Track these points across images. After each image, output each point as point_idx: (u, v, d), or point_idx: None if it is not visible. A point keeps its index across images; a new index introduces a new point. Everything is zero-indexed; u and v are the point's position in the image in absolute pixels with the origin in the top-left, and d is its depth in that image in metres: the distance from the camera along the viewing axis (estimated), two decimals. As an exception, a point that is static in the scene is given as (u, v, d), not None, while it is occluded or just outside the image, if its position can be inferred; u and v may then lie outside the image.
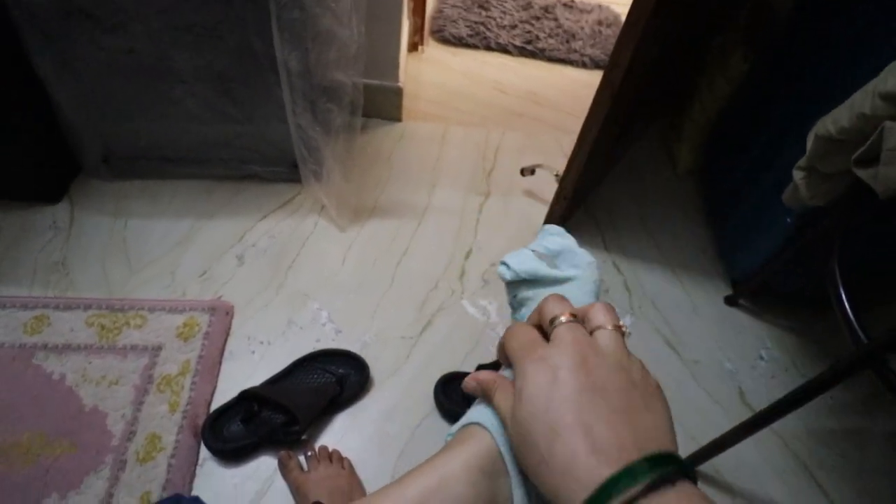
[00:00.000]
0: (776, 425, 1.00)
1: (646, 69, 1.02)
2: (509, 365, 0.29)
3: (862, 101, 0.65)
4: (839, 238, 0.70)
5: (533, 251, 0.39)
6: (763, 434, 0.98)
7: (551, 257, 0.38)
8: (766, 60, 1.17)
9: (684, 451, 0.93)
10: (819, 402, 1.04)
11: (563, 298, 0.30)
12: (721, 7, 1.31)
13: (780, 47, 1.14)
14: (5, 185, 1.12)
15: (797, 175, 0.81)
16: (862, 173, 0.62)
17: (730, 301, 1.17)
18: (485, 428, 0.29)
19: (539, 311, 0.30)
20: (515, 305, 0.39)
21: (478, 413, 0.30)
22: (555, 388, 0.25)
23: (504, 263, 0.38)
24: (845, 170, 0.71)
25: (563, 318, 0.28)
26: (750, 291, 1.14)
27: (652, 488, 0.22)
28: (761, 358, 1.10)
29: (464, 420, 0.31)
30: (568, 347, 0.26)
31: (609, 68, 0.91)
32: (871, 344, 0.61)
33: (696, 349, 1.10)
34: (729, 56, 1.26)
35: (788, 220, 0.97)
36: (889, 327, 0.59)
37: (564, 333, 0.27)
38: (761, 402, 1.00)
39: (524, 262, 0.37)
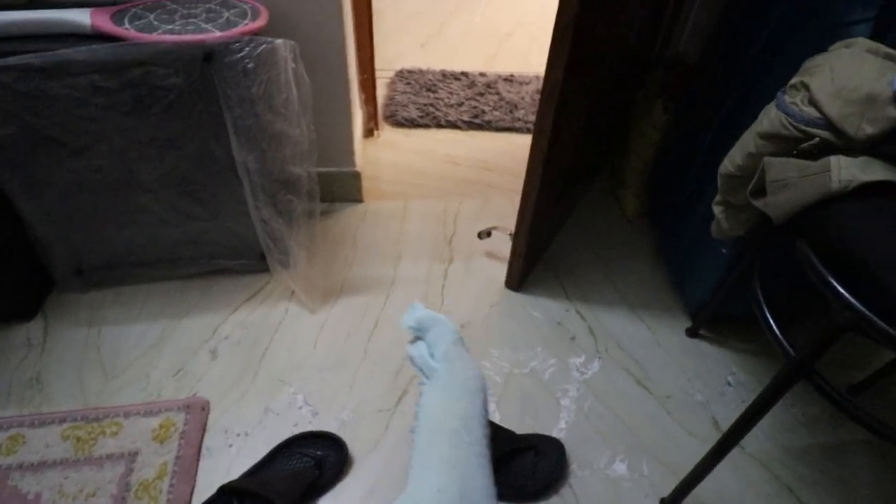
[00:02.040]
0: (753, 449, 1.02)
1: (574, 129, 1.12)
2: None
3: (748, 141, 0.74)
4: (757, 262, 0.77)
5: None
6: (742, 461, 1.01)
7: (419, 331, 0.47)
8: (684, 108, 1.30)
9: (667, 487, 0.94)
10: (789, 418, 1.08)
11: None
12: (638, 66, 1.46)
13: (692, 95, 1.26)
14: (-21, 308, 1.14)
15: (716, 210, 0.89)
16: (757, 203, 0.69)
17: (691, 333, 1.22)
18: None
19: None
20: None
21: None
22: None
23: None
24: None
25: None
26: (707, 321, 1.20)
27: None
28: (729, 384, 1.14)
29: None
30: None
31: (535, 135, 1.00)
32: (797, 355, 0.65)
33: (666, 384, 1.13)
34: (652, 107, 1.39)
35: (724, 250, 1.04)
36: (809, 337, 0.64)
37: None
38: (734, 428, 1.02)
39: (415, 352, 0.48)
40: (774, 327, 0.69)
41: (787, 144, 0.67)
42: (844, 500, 0.97)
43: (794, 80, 0.70)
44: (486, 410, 0.42)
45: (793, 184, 0.62)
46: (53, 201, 1.08)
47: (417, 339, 0.48)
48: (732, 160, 0.78)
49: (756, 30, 0.99)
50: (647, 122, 1.42)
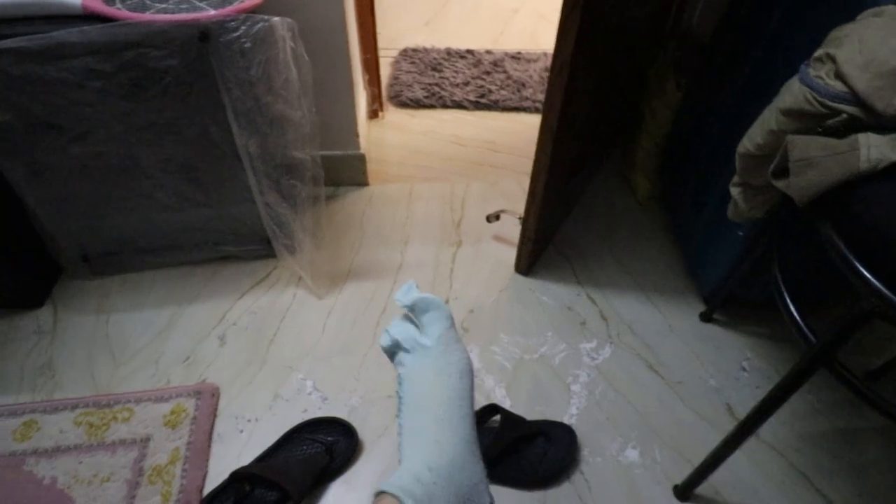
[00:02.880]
0: (767, 436, 1.01)
1: (584, 108, 1.08)
2: None
3: (769, 118, 0.71)
4: (777, 245, 0.74)
5: (404, 314, 0.48)
6: (756, 447, 0.99)
7: (413, 311, 0.47)
8: (697, 86, 1.25)
9: (681, 474, 0.93)
10: (805, 406, 1.06)
11: None
12: (650, 41, 1.41)
13: (706, 73, 1.22)
14: (-12, 296, 1.15)
15: (734, 191, 0.86)
16: (778, 184, 0.66)
17: (704, 317, 1.19)
18: (393, 496, 0.34)
19: None
20: (395, 360, 0.48)
21: (389, 484, 0.35)
22: None
23: (385, 331, 0.48)
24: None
25: None
26: (721, 305, 1.17)
27: None
28: (743, 370, 1.11)
29: (380, 486, 0.36)
30: None
31: (545, 113, 0.97)
32: (818, 343, 0.63)
33: (679, 370, 1.11)
34: (664, 84, 1.34)
35: (740, 233, 1.01)
36: (832, 325, 0.62)
37: None
38: (748, 414, 1.00)
39: (399, 329, 0.47)
40: (795, 314, 0.66)
41: (812, 121, 0.64)
42: (860, 488, 0.95)
43: (818, 52, 0.66)
44: (471, 393, 0.44)
45: (818, 163, 0.59)
46: (56, 188, 1.07)
47: (406, 318, 0.48)
48: (752, 139, 0.74)
49: (776, -1, 0.94)
50: (659, 100, 1.37)
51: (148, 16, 0.86)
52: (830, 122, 0.63)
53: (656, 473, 0.96)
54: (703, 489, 0.93)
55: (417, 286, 0.48)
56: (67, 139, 1.00)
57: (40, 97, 0.92)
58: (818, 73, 0.64)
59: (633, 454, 0.98)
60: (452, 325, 0.46)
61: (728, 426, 1.02)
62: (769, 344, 1.16)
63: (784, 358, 1.14)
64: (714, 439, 0.99)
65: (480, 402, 1.01)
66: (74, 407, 1.01)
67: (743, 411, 1.04)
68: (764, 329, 1.19)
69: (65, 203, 1.10)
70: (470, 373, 0.44)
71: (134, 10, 0.87)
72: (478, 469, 0.39)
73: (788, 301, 0.68)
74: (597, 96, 1.15)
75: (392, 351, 0.47)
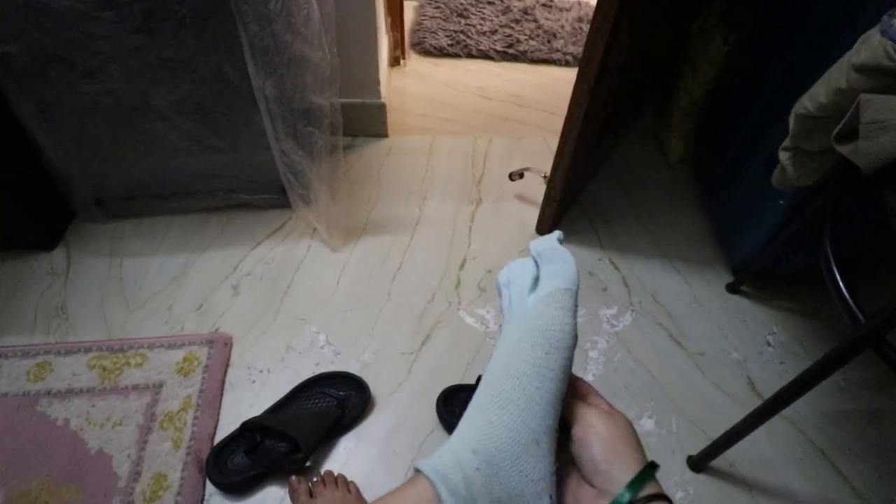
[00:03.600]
0: (788, 412, 0.97)
1: (623, 62, 1.01)
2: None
3: (838, 75, 0.64)
4: (829, 216, 0.69)
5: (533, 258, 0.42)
6: (776, 422, 0.96)
7: (539, 257, 0.41)
8: (746, 41, 1.16)
9: (696, 445, 0.91)
10: (830, 384, 1.02)
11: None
12: (696, -7, 1.30)
13: (758, 26, 1.12)
14: (1, 235, 1.13)
15: (783, 156, 0.79)
16: (842, 149, 0.60)
17: (731, 288, 1.15)
18: (427, 478, 0.31)
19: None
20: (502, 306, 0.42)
21: (426, 463, 0.32)
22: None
23: (507, 265, 0.43)
24: (829, 147, 0.69)
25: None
26: (751, 277, 1.12)
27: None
28: (768, 344, 1.08)
29: (416, 464, 0.32)
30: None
31: (583, 64, 0.90)
32: (868, 323, 0.59)
33: (701, 340, 1.08)
34: (709, 39, 1.25)
35: (781, 201, 0.95)
36: (886, 305, 0.57)
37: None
38: (772, 390, 0.96)
39: (517, 271, 0.42)
40: (844, 290, 0.62)
41: (891, 79, 0.57)
42: (879, 468, 0.93)
43: (903, 3, 0.59)
44: (565, 373, 0.36)
45: (894, 126, 0.53)
46: (67, 127, 1.03)
47: (533, 262, 0.41)
48: (813, 98, 0.68)
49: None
50: (702, 56, 1.28)
51: (159, -62, 0.79)
52: (911, 81, 0.56)
53: (671, 443, 0.94)
54: (717, 462, 0.91)
55: (562, 239, 0.41)
56: (78, 75, 0.96)
57: (50, 28, 0.88)
58: (902, 24, 0.57)
59: (648, 423, 0.96)
60: (571, 288, 0.38)
61: (748, 400, 1.00)
62: (797, 319, 1.12)
63: (812, 334, 1.10)
64: (733, 412, 0.97)
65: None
66: (88, 350, 1.01)
67: (764, 386, 1.02)
68: (793, 303, 1.14)
69: (76, 143, 1.07)
70: (566, 349, 0.36)
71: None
72: (540, 466, 0.32)
73: (837, 275, 0.63)
74: (637, 49, 1.06)
75: (500, 291, 0.42)
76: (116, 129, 1.06)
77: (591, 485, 0.33)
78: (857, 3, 0.82)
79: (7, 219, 1.10)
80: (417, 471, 0.32)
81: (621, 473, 0.32)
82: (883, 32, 0.57)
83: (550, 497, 0.32)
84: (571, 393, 0.38)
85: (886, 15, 0.59)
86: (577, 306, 0.38)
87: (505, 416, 0.33)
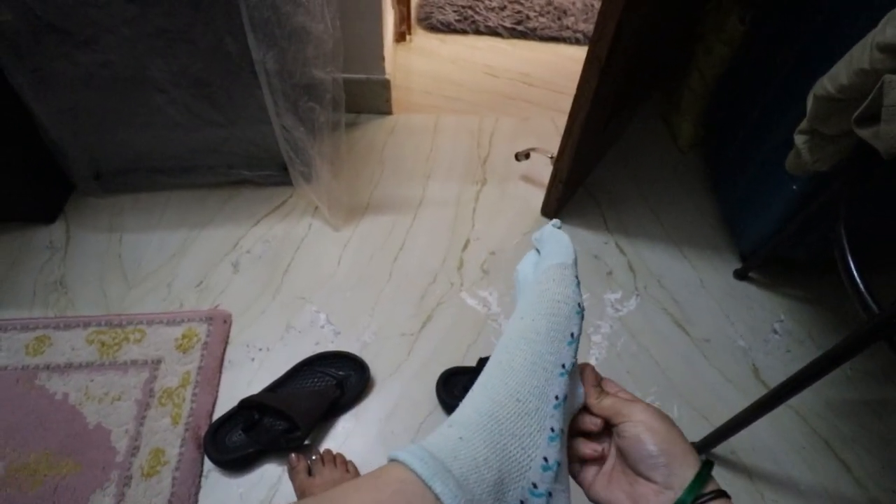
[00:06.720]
0: (793, 401, 0.96)
1: (635, 40, 0.97)
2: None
3: (860, 55, 0.61)
4: (845, 203, 0.66)
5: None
6: (779, 410, 0.94)
7: (539, 241, 0.43)
8: (763, 20, 1.12)
9: (698, 432, 0.90)
10: (836, 373, 1.01)
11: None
12: (713, -32, 1.26)
13: (776, 5, 1.08)
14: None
15: (799, 139, 0.77)
16: (863, 133, 0.58)
17: (739, 275, 1.13)
18: (409, 468, 0.30)
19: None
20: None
21: (405, 453, 0.31)
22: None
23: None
24: (848, 130, 0.66)
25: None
26: (760, 263, 1.10)
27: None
28: (775, 332, 1.06)
29: (391, 454, 0.32)
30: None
31: (594, 42, 0.87)
32: (883, 314, 0.57)
33: (707, 327, 1.06)
34: (724, 18, 1.21)
35: (794, 187, 0.93)
36: (901, 295, 0.56)
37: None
38: (777, 378, 0.96)
39: (524, 262, 0.43)
40: (858, 280, 0.60)
41: (918, 60, 0.54)
42: (884, 460, 0.92)
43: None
44: (558, 335, 0.36)
45: (920, 109, 0.50)
46: (63, 98, 1.01)
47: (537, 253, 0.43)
48: (834, 79, 0.65)
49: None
50: (716, 36, 1.24)
51: None
52: (939, 61, 0.53)
53: (673, 430, 0.93)
54: (719, 449, 0.90)
55: (559, 225, 0.43)
56: (73, 44, 0.93)
57: (43, -6, 0.85)
58: (932, 0, 0.54)
59: (650, 410, 0.95)
60: (567, 263, 0.39)
61: (753, 388, 0.99)
62: (805, 307, 1.10)
63: (820, 323, 1.08)
64: (736, 400, 0.96)
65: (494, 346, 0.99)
66: (87, 325, 1.00)
67: (770, 374, 1.01)
68: (801, 291, 1.12)
69: (73, 115, 1.04)
70: (556, 316, 0.36)
71: None
72: (522, 423, 0.32)
73: (852, 264, 0.61)
74: (649, 28, 1.03)
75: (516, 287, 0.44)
76: (113, 100, 1.03)
77: (649, 479, 0.34)
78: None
79: (5, 191, 1.09)
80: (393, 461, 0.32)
81: (681, 469, 0.33)
82: (913, 8, 0.54)
83: (558, 477, 0.33)
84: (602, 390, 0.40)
85: (917, -10, 0.56)
86: (576, 278, 0.39)
87: (491, 382, 0.35)
